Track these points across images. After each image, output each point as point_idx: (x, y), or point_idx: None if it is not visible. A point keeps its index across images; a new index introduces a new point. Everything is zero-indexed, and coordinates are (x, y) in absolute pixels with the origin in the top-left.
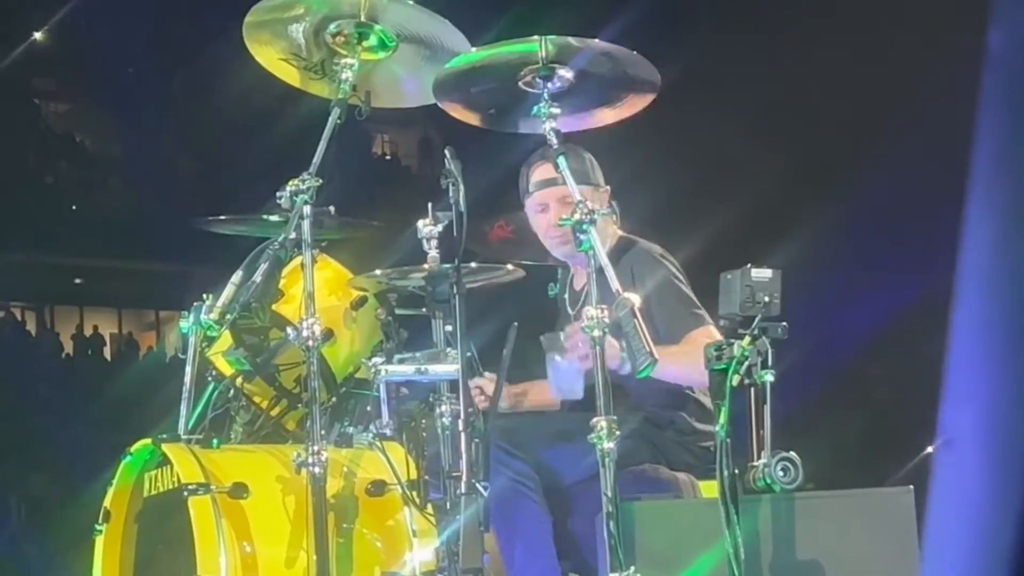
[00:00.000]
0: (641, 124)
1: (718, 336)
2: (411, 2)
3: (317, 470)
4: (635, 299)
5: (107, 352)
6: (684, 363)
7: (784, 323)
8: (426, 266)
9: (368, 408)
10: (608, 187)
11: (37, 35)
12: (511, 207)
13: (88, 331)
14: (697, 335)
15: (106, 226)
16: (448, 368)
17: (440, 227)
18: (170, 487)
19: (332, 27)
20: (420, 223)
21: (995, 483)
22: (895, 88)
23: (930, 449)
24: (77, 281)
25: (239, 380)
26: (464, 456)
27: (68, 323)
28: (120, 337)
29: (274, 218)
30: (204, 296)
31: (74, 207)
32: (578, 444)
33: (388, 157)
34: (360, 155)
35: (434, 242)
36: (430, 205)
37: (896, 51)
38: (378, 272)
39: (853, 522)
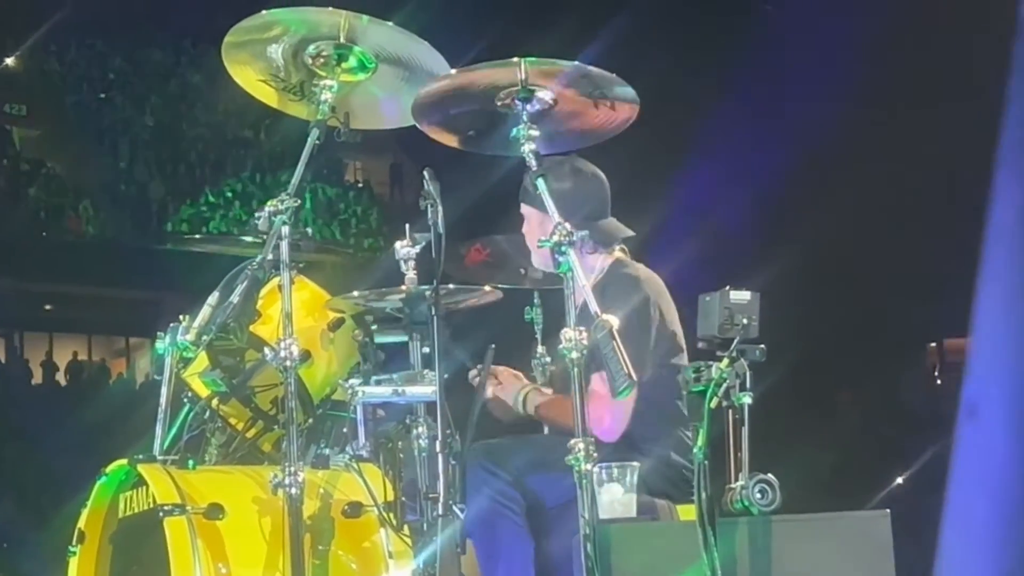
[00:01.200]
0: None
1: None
2: (390, 24)
3: (294, 491)
4: (614, 321)
5: (77, 379)
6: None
7: (762, 345)
8: (404, 287)
9: (345, 430)
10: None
11: (8, 61)
12: (487, 231)
13: (58, 358)
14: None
15: (76, 253)
16: (425, 390)
17: (418, 248)
18: (145, 508)
19: (311, 48)
20: (398, 244)
21: (1020, 453)
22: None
23: (900, 480)
24: (47, 307)
25: (215, 401)
26: (441, 477)
27: (38, 350)
28: (90, 363)
29: (248, 239)
30: (180, 317)
31: (44, 233)
32: (560, 467)
33: (360, 184)
34: (333, 182)
35: (411, 263)
36: (407, 226)
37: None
38: (355, 293)
39: (830, 545)
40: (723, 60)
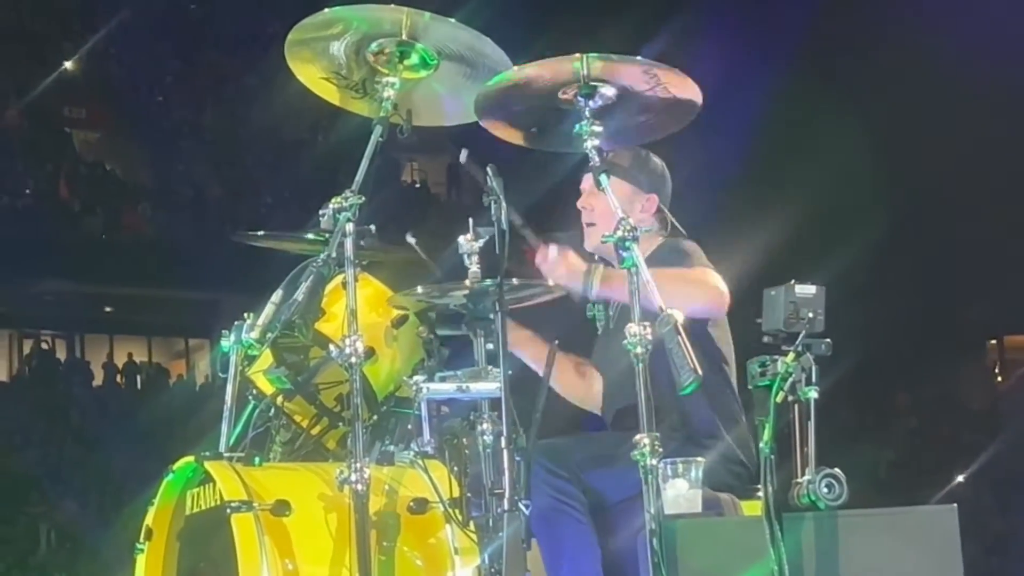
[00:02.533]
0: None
1: (717, 276)
2: (452, 20)
3: (360, 487)
4: (678, 315)
5: (138, 380)
6: (678, 284)
7: (828, 340)
8: (467, 283)
9: (409, 426)
10: (654, 195)
11: (68, 64)
12: (550, 228)
13: (118, 359)
14: (680, 270)
15: (136, 254)
16: (489, 386)
17: (481, 242)
18: (213, 505)
19: (373, 46)
20: (461, 239)
21: None
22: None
23: (960, 478)
24: (107, 310)
25: (280, 399)
26: (506, 473)
27: (99, 352)
28: (149, 365)
29: (310, 236)
30: (245, 315)
31: (104, 236)
32: (621, 464)
33: (417, 184)
34: (390, 182)
35: (475, 258)
36: (471, 220)
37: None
38: (419, 290)
39: (897, 540)
40: (794, 54)
